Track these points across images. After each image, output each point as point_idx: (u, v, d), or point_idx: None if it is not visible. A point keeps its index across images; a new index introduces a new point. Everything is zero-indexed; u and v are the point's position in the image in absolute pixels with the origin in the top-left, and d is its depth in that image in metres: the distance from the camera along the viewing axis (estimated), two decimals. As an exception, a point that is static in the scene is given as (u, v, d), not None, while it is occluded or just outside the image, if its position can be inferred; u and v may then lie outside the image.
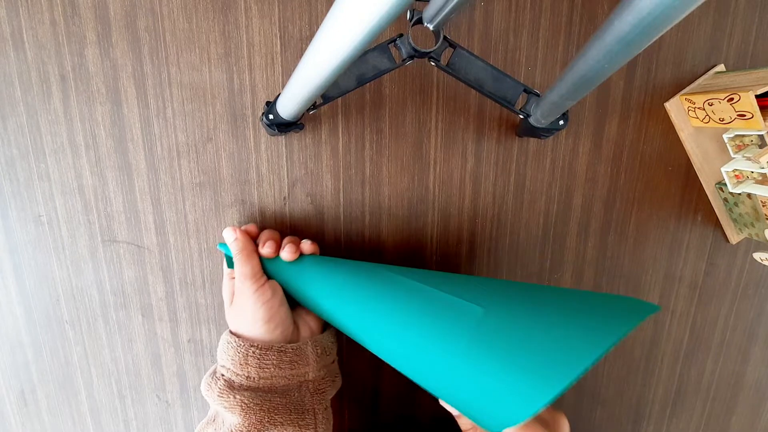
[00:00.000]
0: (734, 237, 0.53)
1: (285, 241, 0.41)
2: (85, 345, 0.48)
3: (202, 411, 0.51)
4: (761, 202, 0.46)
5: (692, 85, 0.48)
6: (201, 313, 0.48)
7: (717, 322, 0.56)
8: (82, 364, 0.48)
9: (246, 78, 0.43)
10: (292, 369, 0.38)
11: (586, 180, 0.49)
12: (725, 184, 0.47)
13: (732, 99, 0.42)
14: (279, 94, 0.38)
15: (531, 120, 0.41)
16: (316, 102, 0.37)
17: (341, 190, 0.47)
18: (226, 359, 0.38)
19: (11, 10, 0.40)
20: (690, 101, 0.47)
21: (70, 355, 0.48)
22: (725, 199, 0.51)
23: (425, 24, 0.33)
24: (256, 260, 0.39)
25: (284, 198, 0.46)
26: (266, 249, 0.39)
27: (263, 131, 0.44)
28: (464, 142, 0.47)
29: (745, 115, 0.42)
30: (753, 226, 0.50)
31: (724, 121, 0.44)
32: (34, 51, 0.41)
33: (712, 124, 0.46)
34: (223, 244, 0.42)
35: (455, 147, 0.47)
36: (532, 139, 0.47)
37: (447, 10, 0.30)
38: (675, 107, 0.48)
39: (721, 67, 0.48)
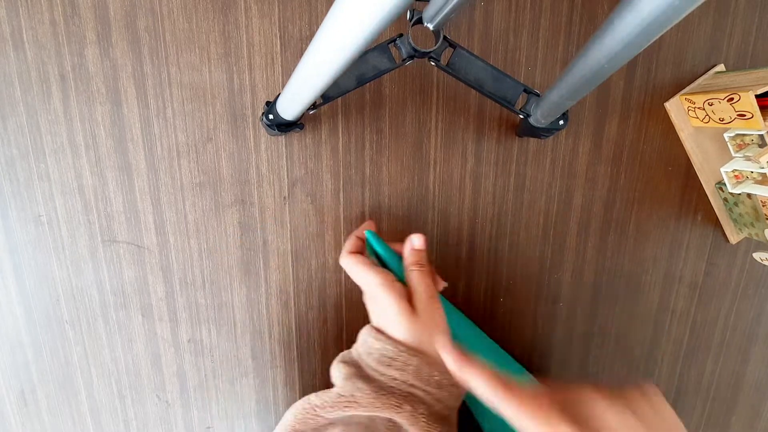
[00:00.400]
0: (734, 237, 0.53)
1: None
2: (85, 345, 0.48)
3: (202, 411, 0.51)
4: (761, 202, 0.46)
5: (692, 85, 0.48)
6: (201, 313, 0.48)
7: (717, 322, 0.56)
8: (82, 364, 0.48)
9: (246, 78, 0.43)
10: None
11: (586, 180, 0.49)
12: (725, 184, 0.47)
13: (732, 99, 0.42)
14: (279, 94, 0.38)
15: (531, 120, 0.41)
16: (316, 102, 0.37)
17: (341, 190, 0.47)
18: (421, 380, 0.33)
19: (11, 10, 0.40)
20: (690, 101, 0.47)
21: (70, 355, 0.48)
22: (725, 199, 0.51)
23: (425, 24, 0.33)
24: (399, 292, 0.36)
25: (284, 198, 0.46)
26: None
27: (263, 131, 0.44)
28: (464, 142, 0.47)
29: (745, 115, 0.42)
30: (753, 226, 0.50)
31: (724, 121, 0.44)
32: (34, 51, 0.41)
33: (712, 124, 0.46)
34: (373, 234, 0.39)
35: (455, 147, 0.47)
36: (532, 139, 0.47)
37: (447, 10, 0.30)
38: (675, 107, 0.48)
39: (721, 67, 0.48)
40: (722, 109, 0.44)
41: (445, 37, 0.36)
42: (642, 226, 0.52)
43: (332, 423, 0.33)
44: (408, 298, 0.35)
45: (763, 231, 0.48)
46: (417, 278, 0.36)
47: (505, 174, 0.48)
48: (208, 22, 0.42)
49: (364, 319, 0.37)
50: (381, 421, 0.32)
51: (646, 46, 0.24)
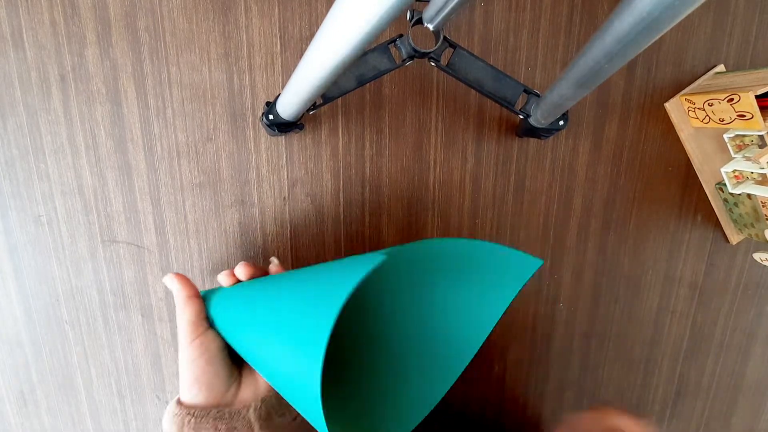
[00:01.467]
0: (734, 237, 0.53)
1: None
2: (84, 345, 0.48)
3: (202, 411, 0.51)
4: (761, 202, 0.46)
5: (692, 86, 0.48)
6: (201, 314, 0.48)
7: (717, 322, 0.56)
8: (82, 365, 0.48)
9: (246, 78, 0.43)
10: None
11: (586, 180, 0.49)
12: (725, 185, 0.47)
13: (732, 99, 0.42)
14: (279, 95, 0.38)
15: (531, 120, 0.41)
16: (316, 102, 0.37)
17: (341, 190, 0.47)
18: None
19: (11, 10, 0.40)
20: (690, 101, 0.47)
21: (70, 355, 0.48)
22: (725, 200, 0.51)
23: (425, 24, 0.33)
24: (192, 308, 0.35)
25: (284, 198, 0.46)
26: (220, 278, 0.37)
27: (263, 131, 0.44)
28: (464, 142, 0.47)
29: (745, 116, 0.42)
30: (753, 226, 0.50)
31: (724, 122, 0.44)
32: (34, 51, 0.41)
33: (712, 124, 0.46)
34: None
35: (455, 147, 0.47)
36: (532, 139, 0.47)
37: (447, 10, 0.30)
38: (675, 107, 0.48)
39: (721, 68, 0.48)
40: (722, 109, 0.44)
41: (445, 38, 0.36)
42: (642, 226, 0.52)
43: None
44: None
45: (763, 231, 0.48)
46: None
47: (505, 174, 0.48)
48: (208, 22, 0.42)
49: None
50: None
51: (646, 46, 0.24)
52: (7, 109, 0.42)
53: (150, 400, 0.50)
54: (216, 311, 0.35)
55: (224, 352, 0.35)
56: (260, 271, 0.37)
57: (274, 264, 0.38)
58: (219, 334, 0.35)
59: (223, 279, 0.37)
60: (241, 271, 0.36)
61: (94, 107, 0.42)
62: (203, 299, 0.36)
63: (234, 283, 0.36)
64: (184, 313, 0.35)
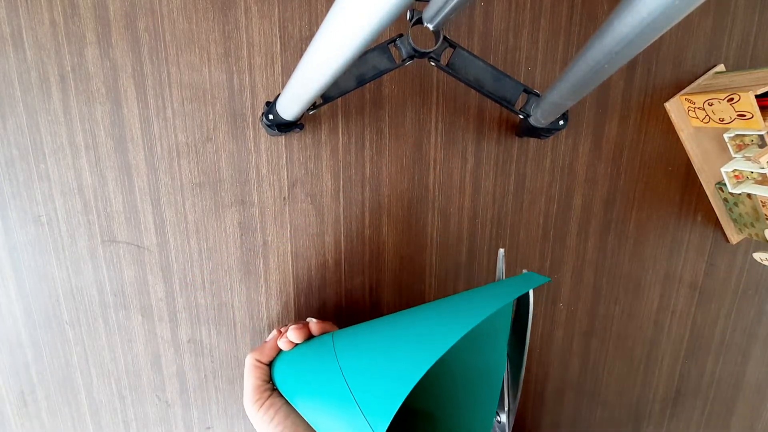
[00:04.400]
0: (734, 237, 0.53)
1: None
2: (84, 345, 0.48)
3: (201, 411, 0.51)
4: (761, 202, 0.46)
5: (692, 85, 0.48)
6: (201, 314, 0.48)
7: (717, 322, 0.56)
8: (82, 365, 0.48)
9: (246, 78, 0.43)
10: None
11: (586, 180, 0.49)
12: (725, 184, 0.47)
13: (732, 99, 0.42)
14: (279, 94, 0.38)
15: (531, 120, 0.41)
16: (316, 102, 0.37)
17: (341, 190, 0.47)
18: None
19: (11, 10, 0.40)
20: (690, 101, 0.47)
21: (70, 355, 0.48)
22: (725, 199, 0.51)
23: (425, 24, 0.33)
24: (257, 373, 0.38)
25: (284, 198, 0.46)
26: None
27: (263, 131, 0.44)
28: (464, 142, 0.47)
29: (745, 115, 0.42)
30: (753, 226, 0.50)
31: (724, 121, 0.44)
32: (34, 51, 0.41)
33: (712, 124, 0.46)
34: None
35: (455, 147, 0.47)
36: (532, 139, 0.48)
37: (447, 10, 0.30)
38: (675, 107, 0.48)
39: (721, 67, 0.48)
40: (722, 109, 0.44)
41: (445, 37, 0.36)
42: (642, 226, 0.52)
43: None
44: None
45: (763, 231, 0.48)
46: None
47: (505, 174, 0.48)
48: (208, 22, 0.42)
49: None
50: None
51: (646, 46, 0.24)
52: (7, 109, 0.42)
53: (150, 400, 0.50)
54: (278, 376, 0.39)
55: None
56: (307, 329, 0.39)
57: (313, 322, 0.40)
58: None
59: (283, 343, 0.39)
60: (294, 335, 0.38)
61: (94, 107, 0.42)
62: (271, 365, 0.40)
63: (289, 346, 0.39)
64: (250, 377, 0.38)
